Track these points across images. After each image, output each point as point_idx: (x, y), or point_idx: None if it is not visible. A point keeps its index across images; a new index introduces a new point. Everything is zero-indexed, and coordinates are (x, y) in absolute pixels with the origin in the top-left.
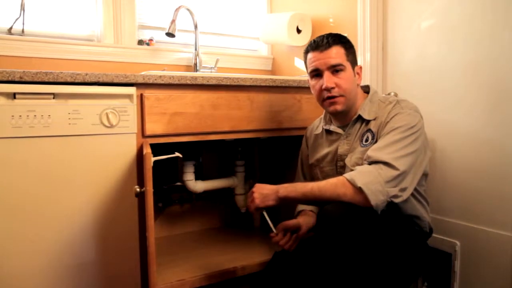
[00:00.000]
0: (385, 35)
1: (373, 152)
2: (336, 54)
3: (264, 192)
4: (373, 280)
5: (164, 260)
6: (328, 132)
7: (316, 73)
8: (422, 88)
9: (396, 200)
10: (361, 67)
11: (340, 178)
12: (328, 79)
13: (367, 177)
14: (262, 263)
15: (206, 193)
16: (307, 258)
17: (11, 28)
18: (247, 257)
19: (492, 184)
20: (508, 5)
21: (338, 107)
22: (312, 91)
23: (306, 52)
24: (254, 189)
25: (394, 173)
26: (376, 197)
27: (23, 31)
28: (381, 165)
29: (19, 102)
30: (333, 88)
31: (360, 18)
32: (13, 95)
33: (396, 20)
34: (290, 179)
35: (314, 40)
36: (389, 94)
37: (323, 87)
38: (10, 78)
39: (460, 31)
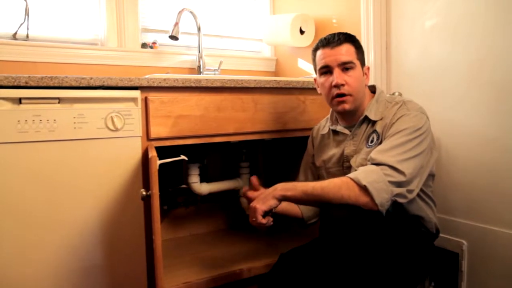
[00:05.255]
0: (388, 35)
1: (377, 154)
2: (346, 51)
3: (262, 196)
4: (379, 282)
5: (170, 262)
6: (335, 132)
7: (326, 70)
8: (426, 87)
9: (401, 200)
10: (368, 68)
11: (343, 178)
12: (338, 76)
13: (371, 176)
14: (268, 265)
15: (211, 195)
16: (314, 260)
17: (15, 33)
18: (253, 259)
19: (498, 183)
20: (510, 4)
21: (346, 106)
22: (320, 89)
23: (316, 49)
24: (252, 203)
25: (399, 176)
26: (381, 196)
27: (27, 36)
28: (386, 167)
29: (25, 107)
30: (342, 85)
31: (364, 18)
32: (19, 100)
33: (399, 19)
34: (294, 180)
35: (325, 37)
36: (393, 94)
37: (333, 83)
38: (15, 83)
39: (463, 30)
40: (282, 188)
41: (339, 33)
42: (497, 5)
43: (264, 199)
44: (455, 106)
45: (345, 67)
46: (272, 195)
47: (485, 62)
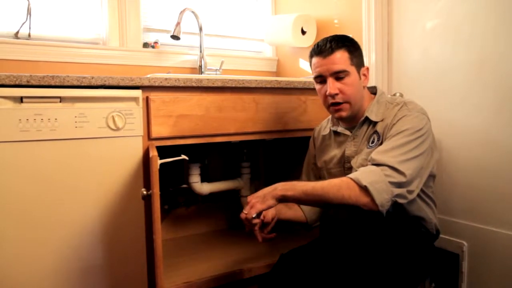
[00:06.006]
0: (390, 36)
1: (377, 155)
2: (339, 59)
3: (261, 194)
4: (379, 282)
5: (171, 262)
6: (336, 133)
7: (320, 79)
8: (427, 88)
9: (401, 201)
10: (368, 68)
11: (343, 178)
12: (331, 86)
13: (371, 176)
14: (268, 265)
15: (212, 195)
16: (314, 261)
17: (17, 32)
18: (254, 259)
19: (499, 184)
20: (511, 5)
21: (343, 114)
22: (318, 95)
23: (311, 56)
24: (250, 197)
25: (399, 177)
26: (381, 196)
27: (29, 35)
28: (386, 168)
29: (26, 106)
30: (336, 94)
31: (365, 19)
32: (21, 99)
33: (401, 20)
34: (296, 180)
35: (318, 44)
36: (394, 94)
37: (327, 93)
38: (17, 82)
39: (464, 31)
40: (282, 188)
41: (332, 39)
42: (499, 6)
43: (263, 198)
44: (456, 107)
45: (338, 75)
46: (272, 195)
47: (487, 63)
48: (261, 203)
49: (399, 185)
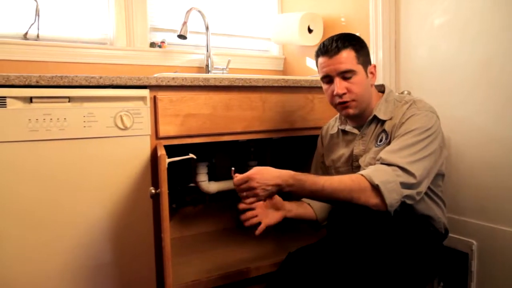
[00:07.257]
0: (397, 33)
1: (387, 154)
2: (346, 58)
3: (268, 189)
4: (387, 281)
5: (179, 260)
6: (344, 132)
7: (327, 79)
8: (434, 85)
9: (409, 202)
10: (375, 66)
11: (354, 176)
12: (339, 86)
13: (383, 176)
14: (276, 263)
15: (220, 194)
16: (322, 259)
17: (26, 33)
18: (261, 258)
19: (509, 182)
20: None
21: (350, 111)
22: (325, 94)
23: (317, 55)
24: (254, 175)
25: (410, 178)
26: (391, 196)
27: (38, 36)
28: (397, 169)
29: (36, 106)
30: (344, 94)
31: (372, 16)
32: (30, 99)
33: (408, 17)
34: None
35: (324, 44)
36: (402, 92)
37: (334, 93)
38: (26, 83)
39: (471, 28)
40: (290, 187)
41: (338, 38)
42: (506, 4)
43: (268, 192)
44: (464, 104)
45: (345, 75)
46: (276, 190)
47: (494, 60)
48: (262, 190)
49: (409, 186)
